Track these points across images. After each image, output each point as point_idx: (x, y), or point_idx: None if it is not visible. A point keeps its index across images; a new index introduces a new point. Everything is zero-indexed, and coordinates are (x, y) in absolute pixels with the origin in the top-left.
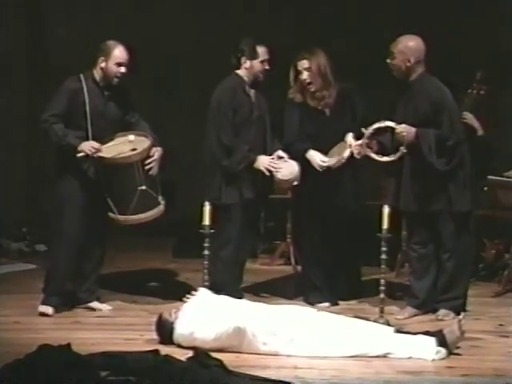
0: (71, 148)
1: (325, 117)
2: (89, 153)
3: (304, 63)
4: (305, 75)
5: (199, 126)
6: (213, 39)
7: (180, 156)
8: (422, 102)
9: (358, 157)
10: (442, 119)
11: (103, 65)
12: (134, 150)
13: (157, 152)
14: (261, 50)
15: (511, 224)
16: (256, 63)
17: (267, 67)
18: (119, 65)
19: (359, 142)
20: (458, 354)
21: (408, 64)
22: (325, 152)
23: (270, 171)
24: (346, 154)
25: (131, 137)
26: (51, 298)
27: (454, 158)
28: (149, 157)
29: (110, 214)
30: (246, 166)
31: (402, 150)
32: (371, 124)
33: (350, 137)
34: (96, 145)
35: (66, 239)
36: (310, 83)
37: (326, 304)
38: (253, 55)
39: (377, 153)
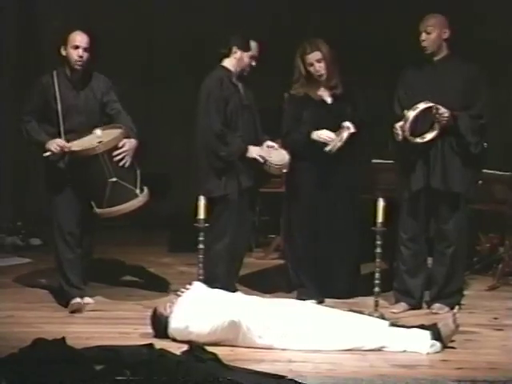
0: (39, 146)
1: (326, 105)
2: (54, 151)
3: (316, 55)
4: (318, 66)
5: (192, 119)
6: (206, 29)
7: (174, 149)
8: (456, 80)
9: (399, 139)
10: (476, 98)
11: (64, 53)
12: (100, 142)
13: (128, 143)
14: (253, 45)
15: (505, 218)
16: (246, 56)
17: (254, 63)
18: (76, 47)
19: (400, 123)
20: (452, 348)
21: (444, 37)
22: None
23: (264, 159)
24: (345, 135)
25: (98, 132)
26: (73, 291)
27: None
28: (117, 148)
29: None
30: (240, 156)
31: (435, 130)
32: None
33: (347, 122)
34: (62, 143)
35: (60, 231)
36: (323, 74)
37: (313, 301)
38: (246, 47)
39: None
